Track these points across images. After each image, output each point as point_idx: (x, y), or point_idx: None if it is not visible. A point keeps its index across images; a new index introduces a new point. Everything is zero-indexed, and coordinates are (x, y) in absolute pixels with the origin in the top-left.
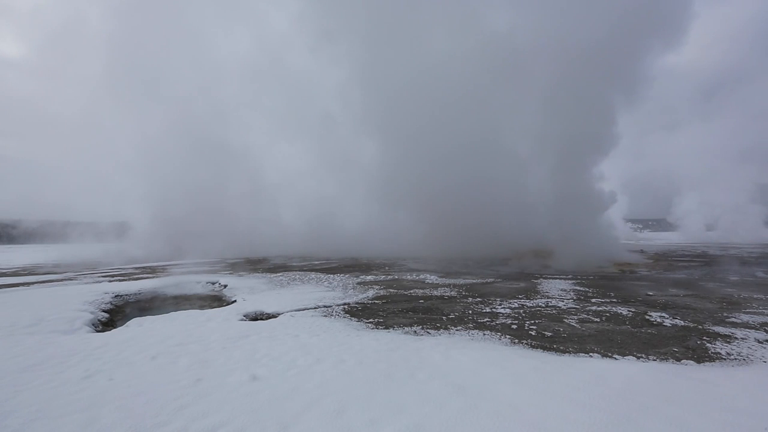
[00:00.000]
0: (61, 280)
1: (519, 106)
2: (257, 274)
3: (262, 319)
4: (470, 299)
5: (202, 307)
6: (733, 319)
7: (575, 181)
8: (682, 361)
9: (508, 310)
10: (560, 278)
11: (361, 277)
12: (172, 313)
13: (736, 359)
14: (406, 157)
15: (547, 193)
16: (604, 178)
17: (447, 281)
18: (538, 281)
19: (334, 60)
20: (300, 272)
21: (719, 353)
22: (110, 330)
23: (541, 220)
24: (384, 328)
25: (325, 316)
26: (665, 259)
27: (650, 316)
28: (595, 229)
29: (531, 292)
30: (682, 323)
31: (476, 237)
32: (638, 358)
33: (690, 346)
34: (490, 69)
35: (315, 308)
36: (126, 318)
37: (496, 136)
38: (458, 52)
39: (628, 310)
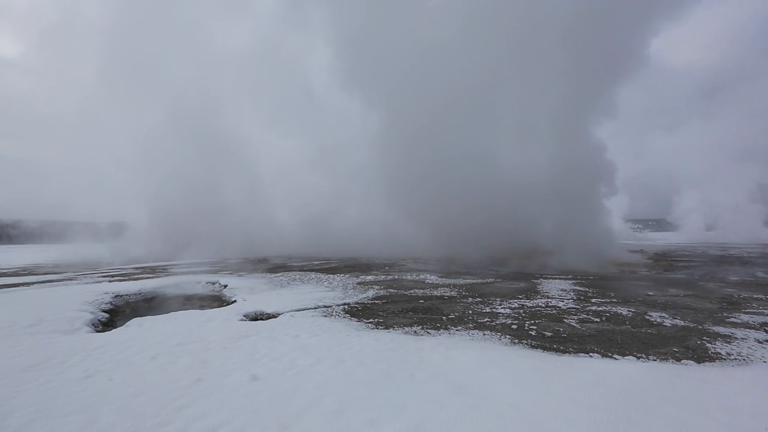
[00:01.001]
0: (61, 280)
1: (520, 95)
2: (257, 274)
3: (262, 319)
4: (470, 299)
5: (202, 307)
6: (733, 319)
7: (576, 172)
8: (682, 361)
9: (508, 310)
10: (560, 278)
11: (361, 277)
12: (172, 313)
13: (736, 359)
14: (407, 157)
15: (548, 189)
16: (607, 149)
17: (447, 281)
18: (538, 281)
19: (332, 43)
20: (300, 272)
21: (719, 353)
22: (110, 330)
23: (541, 219)
24: (384, 328)
25: (325, 316)
26: (665, 259)
27: (650, 316)
28: (596, 227)
29: (531, 292)
30: (682, 323)
31: (476, 237)
32: (638, 358)
33: (690, 346)
34: (491, 56)
35: (315, 308)
36: (126, 318)
37: (497, 134)
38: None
39: (628, 310)
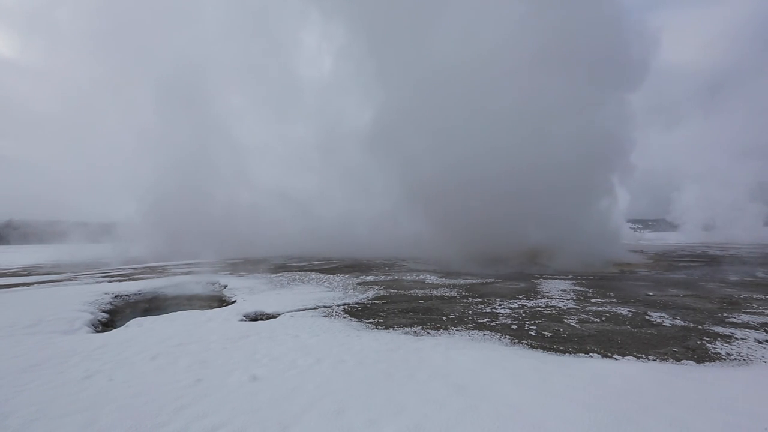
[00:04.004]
0: (61, 280)
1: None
2: (257, 274)
3: (262, 319)
4: (470, 299)
5: (202, 308)
6: (733, 320)
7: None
8: (682, 361)
9: (508, 311)
10: (560, 278)
11: (361, 277)
12: (172, 314)
13: (736, 359)
14: (408, 158)
15: (550, 189)
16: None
17: (447, 281)
18: (538, 281)
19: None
20: (300, 272)
21: (719, 353)
22: (110, 330)
23: (541, 219)
24: (384, 329)
25: (325, 316)
26: (665, 259)
27: (650, 316)
28: (596, 228)
29: (531, 293)
30: (682, 323)
31: (476, 237)
32: (638, 358)
33: (690, 346)
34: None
35: (315, 308)
36: (126, 318)
37: (498, 134)
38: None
39: (628, 310)
